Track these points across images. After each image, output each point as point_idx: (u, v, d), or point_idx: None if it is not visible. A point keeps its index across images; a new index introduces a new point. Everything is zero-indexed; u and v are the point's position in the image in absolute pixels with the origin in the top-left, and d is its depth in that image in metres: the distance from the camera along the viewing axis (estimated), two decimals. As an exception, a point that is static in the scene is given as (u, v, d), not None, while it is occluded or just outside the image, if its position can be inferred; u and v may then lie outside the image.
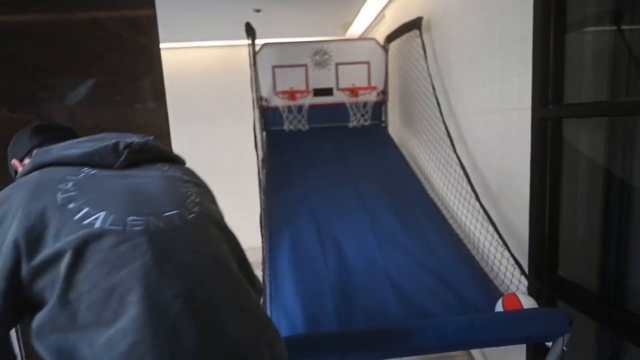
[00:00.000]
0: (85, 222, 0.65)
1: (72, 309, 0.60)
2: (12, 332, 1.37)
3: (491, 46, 1.69)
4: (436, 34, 2.29)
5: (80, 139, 0.84)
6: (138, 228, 0.66)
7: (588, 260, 1.43)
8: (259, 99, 2.89)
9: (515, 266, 1.46)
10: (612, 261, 1.32)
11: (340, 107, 2.90)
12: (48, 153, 0.79)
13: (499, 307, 1.36)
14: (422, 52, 2.31)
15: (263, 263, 1.65)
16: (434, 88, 2.12)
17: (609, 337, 1.37)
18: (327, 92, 2.95)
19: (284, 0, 3.09)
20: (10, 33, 1.41)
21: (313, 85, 2.93)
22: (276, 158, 2.69)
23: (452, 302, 1.48)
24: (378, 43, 2.95)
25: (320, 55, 2.92)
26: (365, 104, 2.91)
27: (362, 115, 2.89)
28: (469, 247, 1.84)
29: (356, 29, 3.96)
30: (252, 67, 2.81)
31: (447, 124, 2.01)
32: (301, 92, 2.88)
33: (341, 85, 2.93)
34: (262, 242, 1.65)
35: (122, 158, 0.78)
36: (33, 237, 0.63)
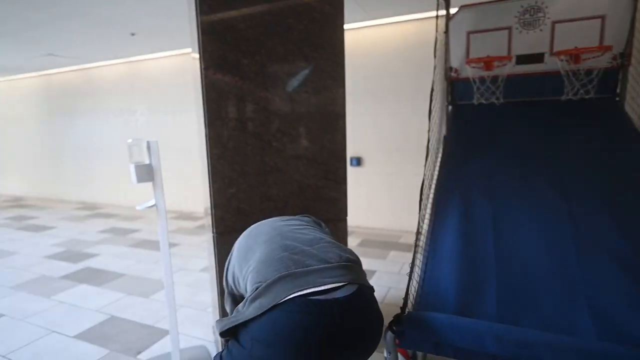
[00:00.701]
0: None
1: None
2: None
3: None
4: None
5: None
6: None
7: None
8: (448, 69, 2.65)
9: None
10: None
11: (549, 77, 2.34)
12: None
13: None
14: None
15: (417, 233, 1.50)
16: None
17: None
18: (536, 58, 2.43)
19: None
20: (234, 14, 1.71)
21: (517, 50, 2.46)
22: (459, 135, 2.42)
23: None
24: (623, -12, 2.20)
25: (531, 13, 2.42)
26: (590, 71, 2.25)
27: (584, 86, 2.25)
28: None
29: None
30: (444, 34, 2.59)
31: None
32: (500, 59, 2.46)
33: (557, 48, 2.35)
34: (420, 213, 1.51)
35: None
36: None
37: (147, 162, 1.81)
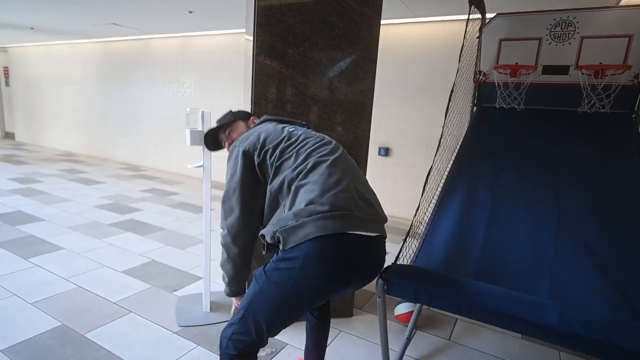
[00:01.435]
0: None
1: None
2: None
3: None
4: None
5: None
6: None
7: None
8: (477, 72, 2.82)
9: None
10: None
11: (570, 89, 2.49)
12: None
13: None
14: None
15: (416, 211, 1.77)
16: None
17: None
18: (562, 70, 2.57)
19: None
20: (286, 10, 1.99)
21: (544, 61, 2.61)
22: (479, 133, 2.62)
23: (623, 313, 1.21)
24: (653, 10, 2.30)
25: (562, 27, 2.55)
26: (608, 87, 2.38)
27: (600, 100, 2.38)
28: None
29: (635, -4, 3.12)
30: (476, 40, 2.76)
31: None
32: (526, 67, 2.62)
33: (582, 63, 2.48)
34: (422, 197, 1.76)
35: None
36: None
37: (200, 128, 2.15)
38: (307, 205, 1.14)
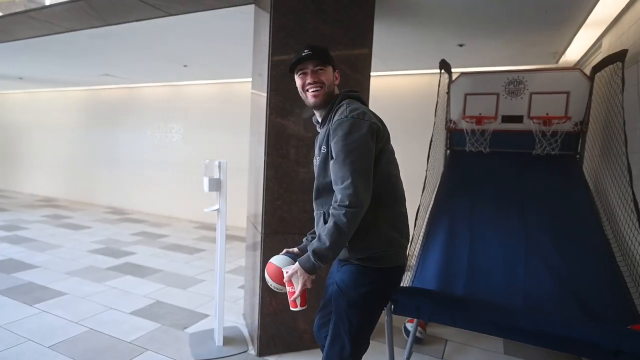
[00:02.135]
0: None
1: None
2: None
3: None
4: (644, 66, 2.17)
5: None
6: None
7: None
8: (448, 121, 3.30)
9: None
10: None
11: (525, 135, 2.99)
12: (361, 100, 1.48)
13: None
14: (626, 84, 2.23)
15: (410, 244, 2.11)
16: (624, 122, 2.05)
17: None
18: (517, 119, 3.08)
19: (489, 33, 3.38)
20: (283, 69, 2.38)
21: (502, 112, 3.12)
22: (453, 173, 3.05)
23: (580, 317, 1.57)
24: (583, 74, 2.87)
25: (514, 84, 3.09)
26: (555, 134, 2.89)
27: (550, 144, 2.89)
28: (631, 283, 1.76)
29: (570, 57, 3.78)
30: (446, 94, 3.27)
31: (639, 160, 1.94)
32: (488, 118, 3.12)
33: (533, 114, 3.01)
34: (414, 230, 2.11)
35: None
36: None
37: (216, 176, 2.45)
38: (400, 236, 1.38)
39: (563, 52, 3.68)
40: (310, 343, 2.51)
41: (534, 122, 2.96)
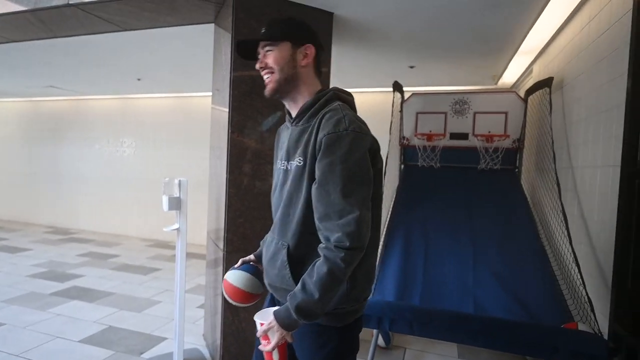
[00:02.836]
0: None
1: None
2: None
3: (599, 109, 1.88)
4: (566, 93, 2.47)
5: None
6: None
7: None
8: (402, 138, 3.50)
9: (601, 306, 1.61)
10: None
11: (471, 151, 3.24)
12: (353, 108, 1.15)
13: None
14: (553, 107, 2.52)
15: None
16: (552, 141, 2.32)
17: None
18: (463, 136, 3.33)
19: (437, 57, 3.66)
20: (244, 88, 2.43)
21: (450, 129, 3.37)
22: (408, 186, 3.22)
23: (523, 319, 1.73)
24: (518, 96, 3.19)
25: (460, 104, 3.35)
26: (497, 150, 3.17)
27: (492, 160, 3.16)
28: (564, 286, 1.97)
29: (507, 80, 4.18)
30: (399, 113, 3.47)
31: (567, 175, 2.19)
32: (438, 135, 3.35)
33: (477, 132, 3.27)
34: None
35: None
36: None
37: (176, 195, 2.41)
38: (370, 286, 1.13)
39: (501, 75, 4.06)
40: (273, 360, 2.51)
41: (478, 139, 3.23)
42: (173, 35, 3.22)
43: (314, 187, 1.00)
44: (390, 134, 2.88)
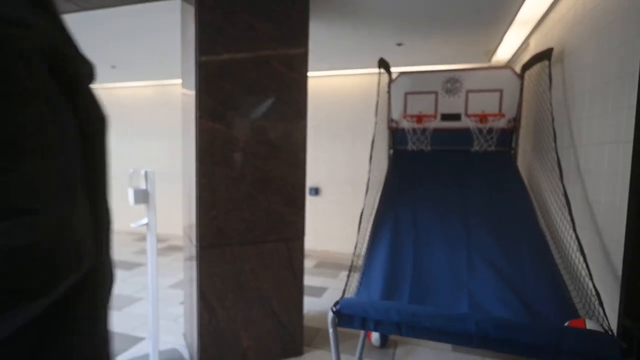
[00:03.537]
0: None
1: None
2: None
3: (609, 78, 1.67)
4: (567, 65, 2.26)
5: None
6: None
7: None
8: (390, 120, 3.29)
9: (610, 299, 1.44)
10: None
11: (464, 132, 3.04)
12: None
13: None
14: (553, 81, 2.31)
15: (355, 247, 2.03)
16: (552, 118, 2.12)
17: None
18: (455, 117, 3.13)
19: (426, 33, 3.42)
20: (213, 69, 2.21)
21: (442, 110, 3.16)
22: (396, 172, 3.03)
23: (523, 315, 1.56)
24: (514, 72, 2.98)
25: (451, 83, 3.13)
26: (491, 130, 2.97)
27: (487, 141, 2.96)
28: (567, 277, 1.80)
29: (501, 56, 3.95)
30: (387, 94, 3.25)
31: (568, 155, 2.00)
32: (428, 116, 3.14)
33: (469, 112, 3.07)
34: (358, 234, 2.03)
35: None
36: None
37: (143, 187, 2.20)
38: None
39: (495, 51, 3.83)
40: (256, 360, 2.35)
41: (471, 120, 3.02)
42: (139, 13, 2.95)
43: None
44: (376, 115, 2.67)
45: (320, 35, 3.43)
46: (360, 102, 4.95)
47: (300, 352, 2.54)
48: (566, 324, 1.41)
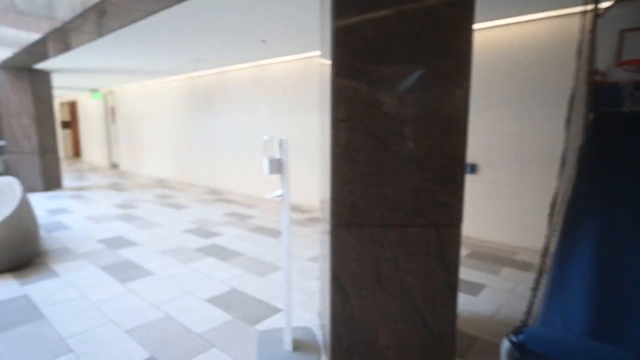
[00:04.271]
0: None
1: None
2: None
3: None
4: None
5: None
6: None
7: None
8: (592, 72, 2.36)
9: None
10: None
11: None
12: None
13: None
14: None
15: (547, 245, 1.42)
16: None
17: None
18: None
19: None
20: (366, 24, 1.83)
21: (689, 50, 2.08)
22: (602, 146, 2.15)
23: None
24: None
25: None
26: None
27: None
28: None
29: None
30: (589, 35, 2.33)
31: None
32: (663, 61, 2.12)
33: None
34: (549, 227, 1.41)
35: None
36: None
37: (278, 157, 2.05)
38: None
39: None
40: (393, 362, 2.01)
41: None
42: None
43: None
44: (578, 61, 1.88)
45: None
46: (534, 55, 3.89)
47: (449, 364, 2.09)
48: None
